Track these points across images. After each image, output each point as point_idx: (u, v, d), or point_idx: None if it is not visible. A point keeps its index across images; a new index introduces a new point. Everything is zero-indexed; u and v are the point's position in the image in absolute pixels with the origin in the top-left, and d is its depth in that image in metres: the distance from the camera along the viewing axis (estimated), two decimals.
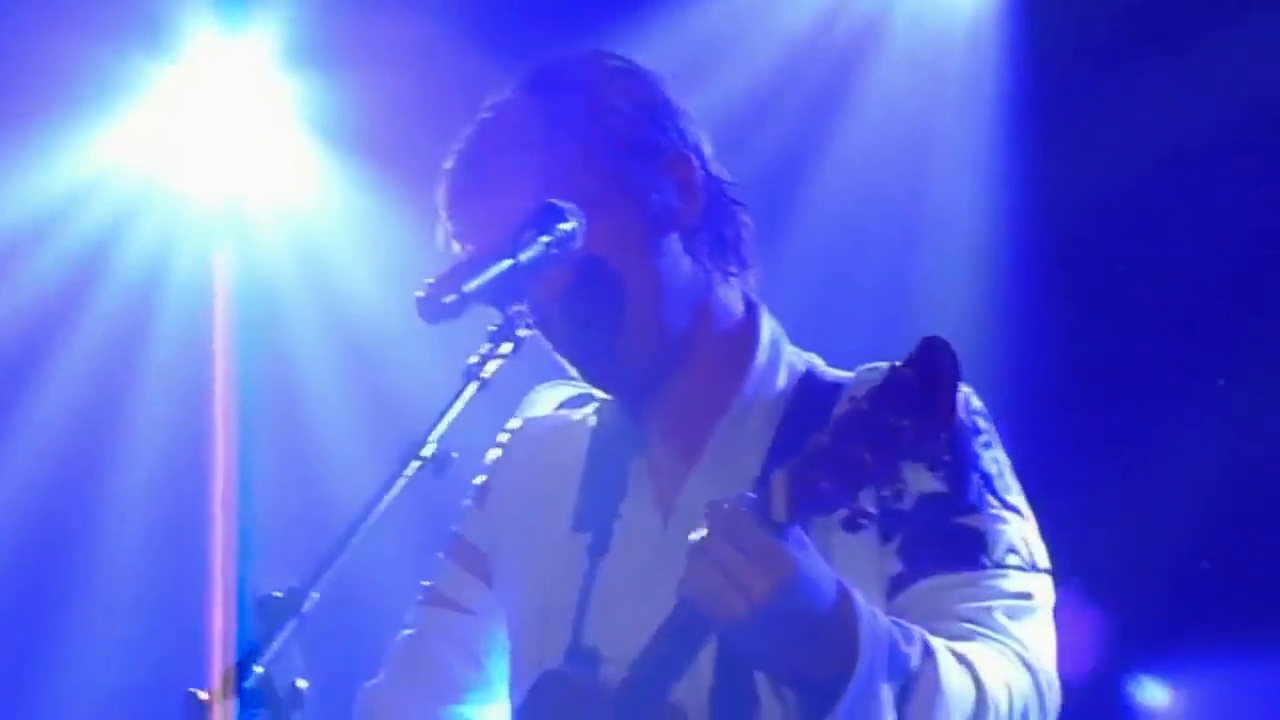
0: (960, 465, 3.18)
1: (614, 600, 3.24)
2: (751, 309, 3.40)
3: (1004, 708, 3.01)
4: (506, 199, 3.27)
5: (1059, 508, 5.96)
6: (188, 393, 6.73)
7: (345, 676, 3.60)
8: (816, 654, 2.86)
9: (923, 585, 3.14)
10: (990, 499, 3.20)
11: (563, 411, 3.55)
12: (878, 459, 2.77)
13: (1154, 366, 6.25)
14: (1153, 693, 6.41)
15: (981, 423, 3.26)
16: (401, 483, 2.95)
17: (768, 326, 3.38)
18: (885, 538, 3.17)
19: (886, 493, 2.82)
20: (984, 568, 3.15)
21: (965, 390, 3.24)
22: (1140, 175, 6.17)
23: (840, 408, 2.90)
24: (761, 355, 3.35)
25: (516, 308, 3.09)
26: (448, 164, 3.40)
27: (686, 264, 3.32)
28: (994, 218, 6.40)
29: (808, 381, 3.34)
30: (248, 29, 6.68)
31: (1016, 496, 3.25)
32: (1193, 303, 6.19)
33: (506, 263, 3.08)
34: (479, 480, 3.54)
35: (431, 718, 3.50)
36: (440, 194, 3.40)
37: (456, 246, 3.34)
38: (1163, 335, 6.23)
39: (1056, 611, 3.25)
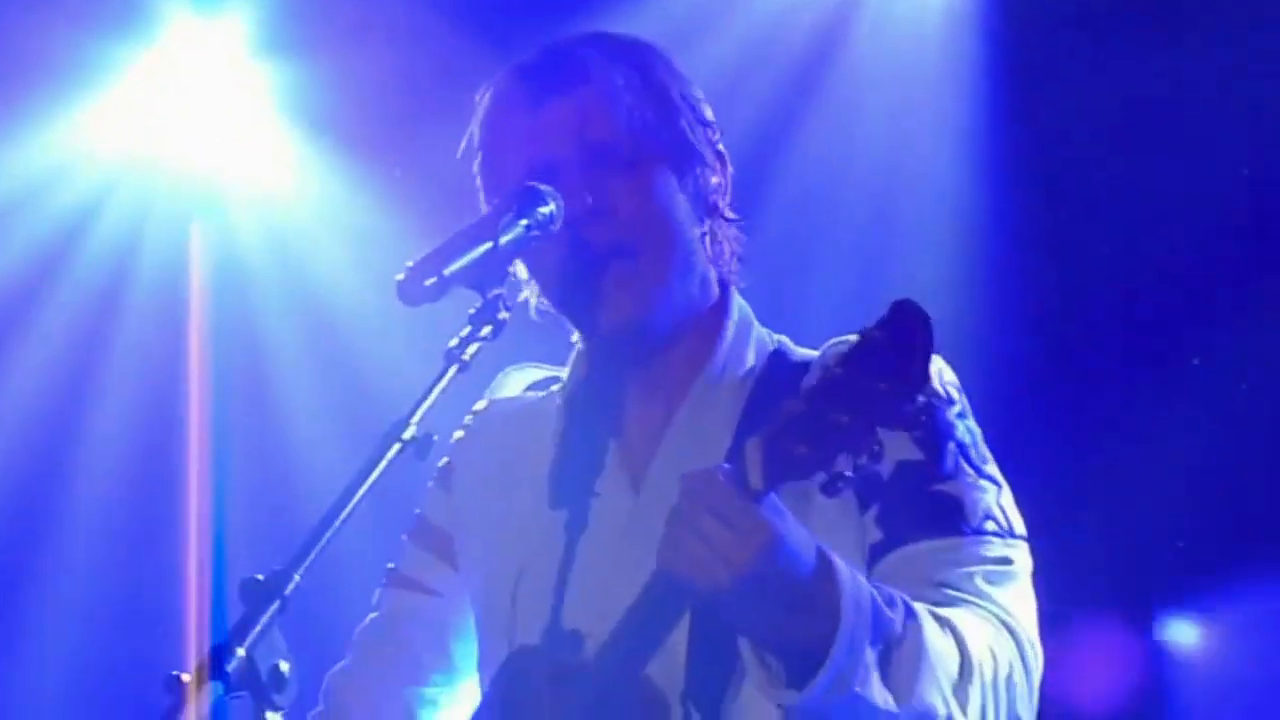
0: (937, 434, 3.21)
1: (592, 578, 3.25)
2: (724, 288, 3.44)
3: (988, 670, 3.03)
4: (598, 94, 3.31)
5: (1079, 456, 6.12)
6: (158, 374, 6.74)
7: (326, 658, 3.60)
8: (799, 619, 2.87)
9: (903, 552, 3.17)
10: (967, 467, 3.23)
11: (530, 393, 3.57)
12: (854, 422, 2.77)
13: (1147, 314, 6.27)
14: (1180, 631, 6.44)
15: (955, 394, 3.29)
16: (383, 465, 2.94)
17: (737, 305, 3.43)
18: (864, 506, 3.20)
19: (864, 458, 2.81)
20: (963, 534, 3.17)
21: (939, 363, 3.27)
22: (1115, 154, 6.22)
23: (812, 375, 2.93)
24: (730, 331, 3.39)
25: (496, 291, 3.09)
26: (503, 78, 3.40)
27: (705, 243, 3.39)
28: (971, 196, 6.40)
29: (776, 359, 3.39)
30: (223, 13, 6.67)
31: (991, 466, 3.28)
32: (1168, 278, 6.23)
33: (487, 245, 3.09)
34: (442, 462, 3.55)
35: (397, 699, 3.52)
36: (503, 95, 3.40)
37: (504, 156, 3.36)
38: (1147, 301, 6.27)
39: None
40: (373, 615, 3.58)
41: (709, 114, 3.44)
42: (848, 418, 2.76)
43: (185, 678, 2.67)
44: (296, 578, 2.82)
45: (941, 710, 2.96)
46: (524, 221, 3.14)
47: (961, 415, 3.28)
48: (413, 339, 3.25)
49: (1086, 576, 6.00)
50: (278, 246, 6.92)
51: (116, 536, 6.92)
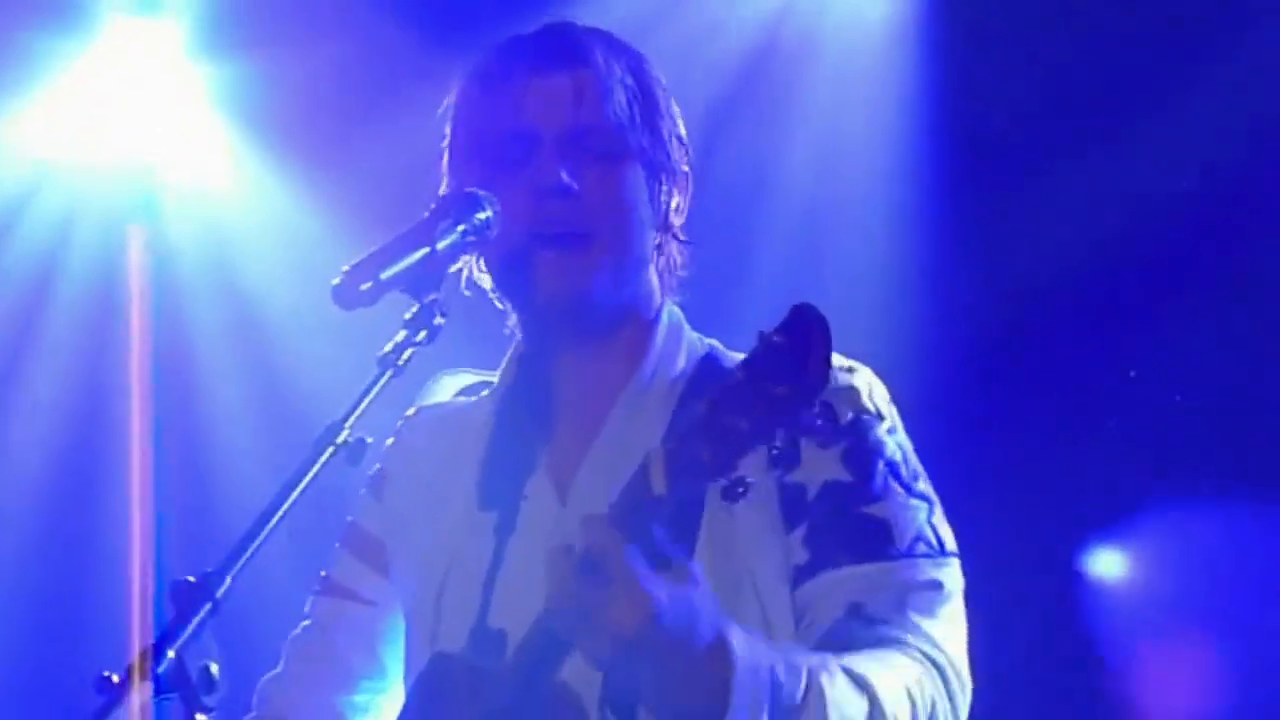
0: (865, 453, 3.20)
1: (517, 581, 3.24)
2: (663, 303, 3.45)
3: (904, 718, 3.00)
4: (596, 78, 3.32)
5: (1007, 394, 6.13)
6: (84, 374, 6.73)
7: (256, 662, 3.60)
8: (689, 693, 2.82)
9: (829, 576, 3.15)
10: (896, 487, 3.20)
11: (461, 398, 3.57)
12: (754, 425, 2.72)
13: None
14: (1106, 562, 6.48)
15: (885, 409, 3.27)
16: (316, 469, 2.93)
17: (668, 310, 3.43)
18: (790, 525, 3.18)
19: (769, 454, 2.78)
20: (891, 558, 3.15)
21: (868, 376, 3.28)
22: (1052, 153, 6.28)
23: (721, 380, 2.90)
24: (660, 336, 3.39)
25: (432, 296, 3.08)
26: (499, 46, 3.41)
27: (655, 254, 3.41)
28: (904, 198, 6.45)
29: (707, 363, 3.38)
30: (160, 12, 6.65)
31: (923, 483, 3.26)
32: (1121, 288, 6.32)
33: (424, 250, 3.08)
34: (374, 469, 3.54)
35: (327, 707, 3.51)
36: (496, 61, 3.39)
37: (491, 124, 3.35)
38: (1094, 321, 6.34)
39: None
40: (305, 623, 3.57)
41: (684, 134, 3.45)
42: (747, 422, 2.71)
43: (115, 678, 2.67)
44: (228, 581, 2.82)
45: None
46: (461, 227, 3.14)
47: (892, 431, 3.26)
48: (346, 343, 3.23)
49: (1009, 508, 6.02)
50: (211, 246, 6.89)
51: (43, 539, 6.89)
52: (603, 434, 3.33)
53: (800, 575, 3.17)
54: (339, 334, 5.40)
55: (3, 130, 6.70)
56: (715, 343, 3.45)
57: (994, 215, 6.35)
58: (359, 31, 6.50)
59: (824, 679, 2.91)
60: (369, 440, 2.97)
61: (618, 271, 3.31)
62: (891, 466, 3.22)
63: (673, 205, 3.41)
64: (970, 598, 3.23)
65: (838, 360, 3.02)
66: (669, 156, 3.38)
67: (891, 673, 3.03)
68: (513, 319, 3.47)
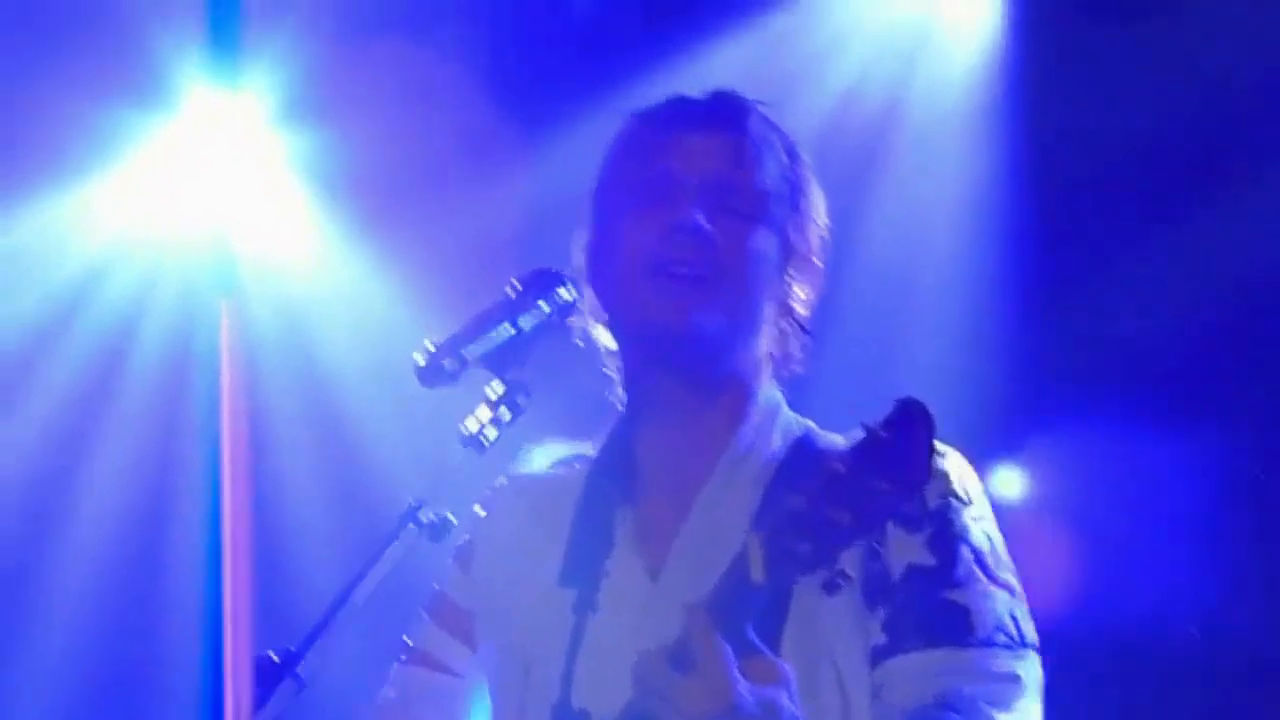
0: (951, 538, 3.16)
1: (602, 659, 3.20)
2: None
3: None
4: (752, 145, 3.31)
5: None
6: (157, 444, 6.71)
7: None
8: None
9: (905, 660, 3.12)
10: (979, 574, 3.16)
11: (554, 469, 3.52)
12: (855, 521, 2.75)
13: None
14: (1006, 479, 6.44)
15: (975, 494, 3.23)
16: (398, 546, 2.97)
17: (767, 387, 3.38)
18: (871, 607, 3.15)
19: (867, 548, 2.85)
20: (969, 646, 3.11)
21: (960, 462, 3.24)
22: (1144, 230, 6.26)
23: (818, 471, 2.88)
24: (756, 413, 3.34)
25: (516, 374, 3.09)
26: (663, 103, 3.40)
27: (773, 328, 3.36)
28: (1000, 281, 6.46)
29: (801, 445, 3.33)
30: (243, 84, 6.64)
31: (1008, 572, 3.21)
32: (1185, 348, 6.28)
33: (507, 328, 3.09)
34: (463, 539, 3.48)
35: None
36: (658, 115, 3.38)
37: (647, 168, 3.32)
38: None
39: None
40: (388, 692, 3.52)
41: (827, 233, 3.42)
42: (848, 516, 2.75)
43: None
44: (310, 657, 2.82)
45: None
46: (545, 305, 3.14)
47: (980, 518, 3.22)
48: (423, 419, 3.24)
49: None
50: (289, 319, 6.86)
51: (113, 610, 6.85)
52: (694, 511, 3.28)
53: (877, 656, 3.14)
54: (416, 410, 5.38)
55: (86, 202, 6.70)
56: (811, 424, 3.40)
57: (1080, 279, 6.33)
58: (440, 103, 6.50)
59: None
60: (452, 518, 2.99)
61: (729, 319, 3.25)
62: (976, 553, 3.18)
63: (797, 289, 3.36)
64: None
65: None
66: (805, 241, 3.35)
67: None
68: (619, 390, 3.43)
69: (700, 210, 3.23)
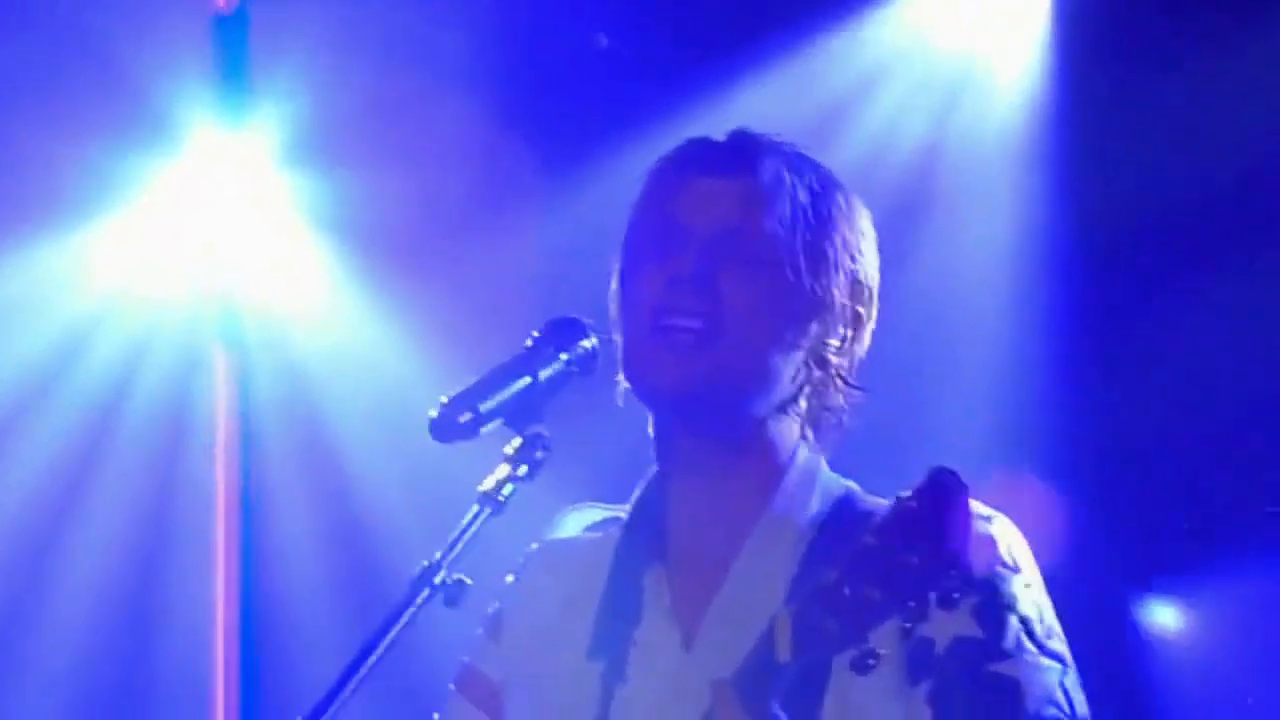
0: (999, 607, 3.06)
1: None
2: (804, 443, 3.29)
3: None
4: (760, 187, 3.19)
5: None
6: (152, 492, 6.65)
7: None
8: None
9: None
10: (1029, 645, 3.06)
11: (588, 534, 3.41)
12: (887, 596, 2.69)
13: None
14: (1163, 614, 6.40)
15: (1023, 562, 3.12)
16: (412, 611, 2.89)
17: (806, 448, 3.26)
18: (914, 680, 3.04)
19: (900, 624, 2.73)
20: None
21: (1007, 528, 3.14)
22: (1183, 279, 6.22)
23: (849, 543, 2.80)
24: (793, 475, 3.22)
25: (534, 429, 3.00)
26: (681, 145, 3.30)
27: (803, 388, 3.24)
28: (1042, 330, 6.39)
29: (841, 508, 3.22)
30: (249, 122, 6.63)
31: (1058, 642, 3.10)
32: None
33: (525, 380, 3.02)
34: (492, 608, 3.39)
35: None
36: (672, 158, 3.28)
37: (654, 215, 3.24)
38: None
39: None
40: None
41: (869, 275, 3.28)
42: (879, 593, 2.69)
43: None
44: None
45: None
46: (564, 356, 3.06)
47: (1028, 586, 3.10)
48: (443, 478, 3.17)
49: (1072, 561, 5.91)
50: (292, 369, 6.81)
51: (109, 669, 6.76)
52: (729, 580, 3.17)
53: None
54: (428, 468, 5.30)
55: (86, 246, 6.66)
56: (853, 485, 3.28)
57: (1125, 332, 6.31)
58: (456, 146, 6.45)
59: None
60: (468, 582, 2.92)
61: (737, 372, 3.13)
62: (1025, 623, 3.07)
63: (829, 340, 3.22)
64: None
65: (975, 508, 2.88)
66: (829, 285, 3.20)
67: None
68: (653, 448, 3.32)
69: (706, 259, 3.13)
